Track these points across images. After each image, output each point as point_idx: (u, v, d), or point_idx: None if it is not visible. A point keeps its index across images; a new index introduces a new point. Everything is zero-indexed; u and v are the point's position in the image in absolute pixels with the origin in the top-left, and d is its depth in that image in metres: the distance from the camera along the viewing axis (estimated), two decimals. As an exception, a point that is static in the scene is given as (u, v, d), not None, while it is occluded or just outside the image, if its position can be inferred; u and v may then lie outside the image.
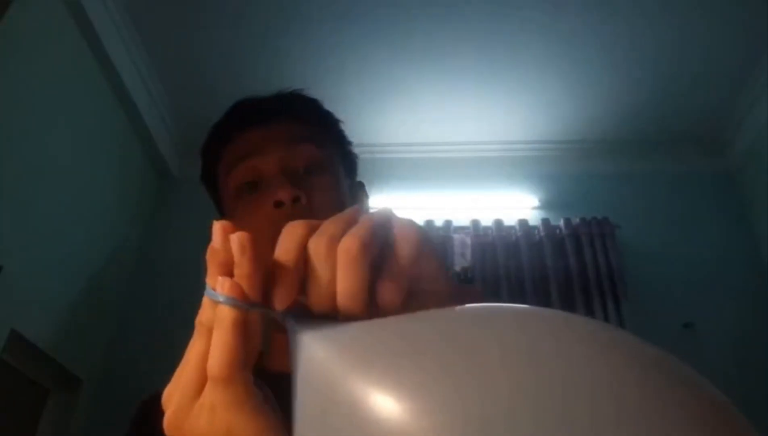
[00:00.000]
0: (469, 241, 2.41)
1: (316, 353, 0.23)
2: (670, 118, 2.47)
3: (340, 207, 0.60)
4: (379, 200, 2.20)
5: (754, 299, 2.22)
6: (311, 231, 0.27)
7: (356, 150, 0.72)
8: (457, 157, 2.64)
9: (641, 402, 0.18)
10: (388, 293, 0.25)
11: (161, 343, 2.14)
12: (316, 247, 0.26)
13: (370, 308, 0.26)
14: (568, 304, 2.18)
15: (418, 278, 0.27)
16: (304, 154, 0.61)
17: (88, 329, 2.07)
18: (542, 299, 2.20)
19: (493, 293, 2.23)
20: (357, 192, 0.69)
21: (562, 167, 2.61)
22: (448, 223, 2.42)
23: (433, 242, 0.28)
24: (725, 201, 2.48)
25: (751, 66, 2.21)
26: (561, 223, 2.38)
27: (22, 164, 1.68)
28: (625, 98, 2.38)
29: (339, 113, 0.70)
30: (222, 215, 0.67)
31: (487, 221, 2.43)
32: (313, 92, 0.69)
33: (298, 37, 2.13)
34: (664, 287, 2.26)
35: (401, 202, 2.46)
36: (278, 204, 0.56)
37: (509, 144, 2.63)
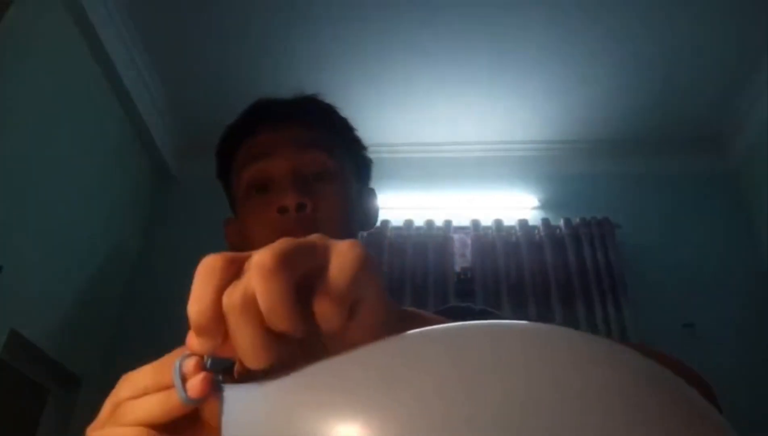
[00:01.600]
0: (469, 241, 2.41)
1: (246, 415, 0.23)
2: (670, 118, 2.47)
3: (344, 216, 0.60)
4: (380, 201, 2.20)
5: (754, 298, 2.22)
6: (229, 272, 0.24)
7: None
8: (457, 157, 2.64)
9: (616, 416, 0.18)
10: (324, 311, 0.23)
11: (161, 343, 2.14)
12: (229, 303, 0.23)
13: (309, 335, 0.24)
14: (567, 304, 2.18)
15: (357, 302, 0.24)
16: (314, 161, 0.61)
17: (88, 329, 2.07)
18: (542, 299, 2.20)
19: (493, 293, 2.23)
20: (367, 199, 0.69)
21: (562, 167, 2.61)
22: (448, 223, 2.42)
23: (377, 266, 0.26)
24: (725, 201, 2.48)
25: (751, 66, 2.21)
26: (561, 223, 2.38)
27: (21, 164, 1.68)
28: (625, 99, 2.38)
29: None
30: (234, 212, 0.68)
31: (487, 220, 2.43)
32: (319, 92, 0.69)
33: (300, 38, 2.13)
34: (664, 287, 2.26)
35: (402, 202, 2.46)
36: (282, 210, 0.56)
37: (509, 144, 2.63)
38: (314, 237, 0.26)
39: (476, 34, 2.12)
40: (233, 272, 0.24)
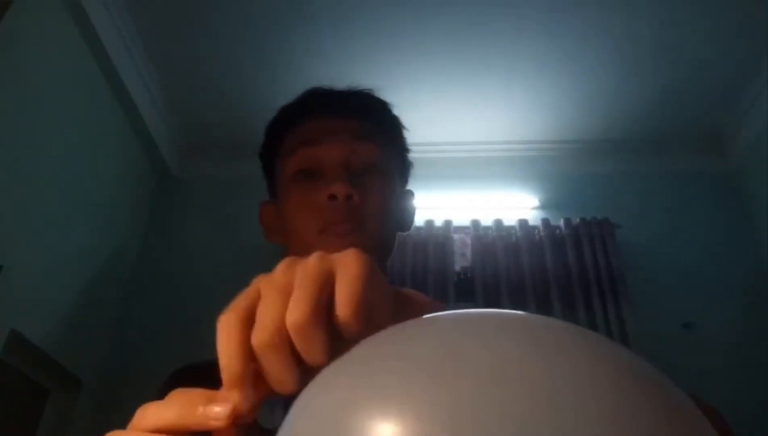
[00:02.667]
0: (469, 241, 2.41)
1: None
2: (670, 117, 2.47)
3: (387, 213, 0.61)
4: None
5: (754, 298, 2.22)
6: (245, 323, 0.26)
7: None
8: (457, 157, 2.64)
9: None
10: (347, 320, 0.25)
11: (161, 343, 2.14)
12: (260, 343, 0.25)
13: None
14: (567, 304, 2.18)
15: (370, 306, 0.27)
16: (365, 153, 0.62)
17: (88, 329, 2.07)
18: (542, 299, 2.20)
19: (493, 293, 2.23)
20: (406, 199, 0.70)
21: (562, 167, 2.61)
22: (448, 223, 2.42)
23: (378, 270, 0.28)
24: (725, 201, 2.48)
25: (751, 66, 2.21)
26: (561, 223, 2.38)
27: (22, 164, 1.68)
28: (625, 98, 2.38)
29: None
30: (271, 194, 0.69)
31: (487, 220, 2.43)
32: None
33: (300, 39, 2.13)
34: (664, 287, 2.26)
35: (401, 203, 2.46)
36: (332, 197, 0.57)
37: (509, 144, 2.63)
38: (316, 257, 0.27)
39: (477, 34, 2.12)
40: (249, 324, 0.26)
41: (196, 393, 0.27)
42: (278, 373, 0.25)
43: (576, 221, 2.36)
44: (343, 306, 0.25)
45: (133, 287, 2.35)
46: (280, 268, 0.28)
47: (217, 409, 0.25)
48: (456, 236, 2.43)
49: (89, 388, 2.05)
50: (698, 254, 2.34)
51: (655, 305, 2.21)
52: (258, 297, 0.27)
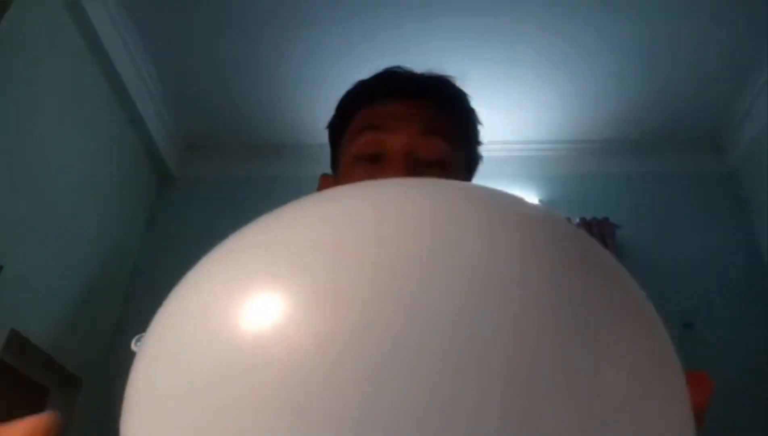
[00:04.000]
0: (469, 241, 2.41)
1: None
2: (670, 118, 2.47)
3: None
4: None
5: (754, 298, 2.22)
6: None
7: None
8: (457, 157, 2.64)
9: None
10: None
11: (161, 343, 2.14)
12: None
13: None
14: (568, 304, 2.18)
15: None
16: (433, 148, 0.60)
17: (88, 329, 2.07)
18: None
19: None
20: None
21: (562, 167, 2.61)
22: (448, 223, 2.42)
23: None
24: (725, 201, 2.48)
25: (751, 66, 2.21)
26: (561, 223, 2.38)
27: (22, 164, 1.68)
28: (625, 98, 2.38)
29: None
30: (334, 169, 0.68)
31: (487, 221, 2.43)
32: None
33: (299, 40, 2.12)
34: (664, 287, 2.26)
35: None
36: None
37: (509, 144, 2.63)
38: None
39: (477, 34, 2.12)
40: None
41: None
42: None
43: (576, 221, 2.36)
44: None
45: (133, 286, 2.35)
46: None
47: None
48: (456, 236, 2.43)
49: (89, 388, 2.05)
50: (698, 254, 2.34)
51: (655, 305, 2.19)
52: None
